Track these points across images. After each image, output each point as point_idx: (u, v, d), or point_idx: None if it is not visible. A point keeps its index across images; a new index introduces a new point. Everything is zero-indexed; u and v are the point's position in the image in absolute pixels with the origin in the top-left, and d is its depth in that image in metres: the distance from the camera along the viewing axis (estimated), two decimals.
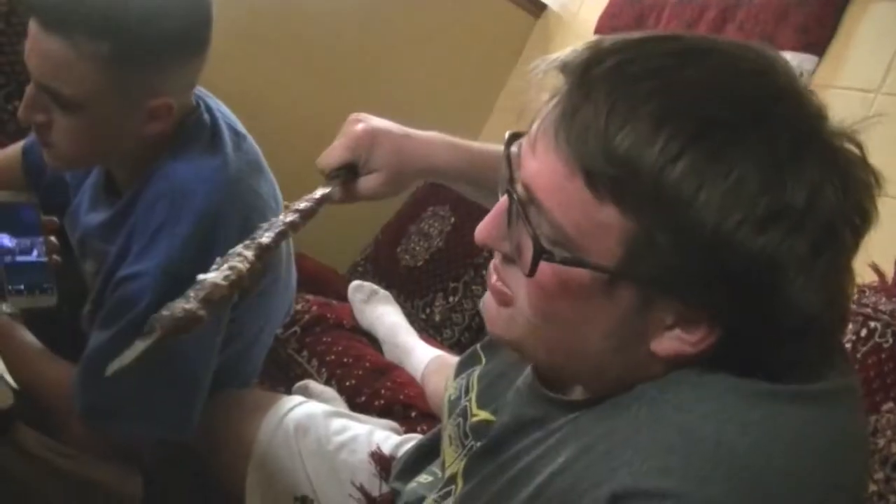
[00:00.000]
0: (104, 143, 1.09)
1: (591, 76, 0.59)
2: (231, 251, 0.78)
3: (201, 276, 0.74)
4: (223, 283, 0.73)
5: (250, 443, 1.18)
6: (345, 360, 1.66)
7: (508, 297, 0.68)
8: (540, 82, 0.63)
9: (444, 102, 2.41)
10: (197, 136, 1.14)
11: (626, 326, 0.63)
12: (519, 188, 0.65)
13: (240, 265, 0.76)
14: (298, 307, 1.79)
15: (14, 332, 1.16)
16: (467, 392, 0.87)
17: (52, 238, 1.22)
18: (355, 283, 1.96)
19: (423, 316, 2.05)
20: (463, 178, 0.97)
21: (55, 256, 1.20)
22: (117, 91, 1.03)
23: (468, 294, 2.02)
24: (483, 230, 0.67)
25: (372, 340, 1.80)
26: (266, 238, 0.81)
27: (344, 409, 1.44)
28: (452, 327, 2.01)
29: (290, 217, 0.85)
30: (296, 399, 1.27)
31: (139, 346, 0.68)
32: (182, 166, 1.10)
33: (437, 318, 2.03)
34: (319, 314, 1.80)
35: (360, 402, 1.54)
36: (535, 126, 0.64)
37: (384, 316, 1.85)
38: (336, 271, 2.19)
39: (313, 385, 1.58)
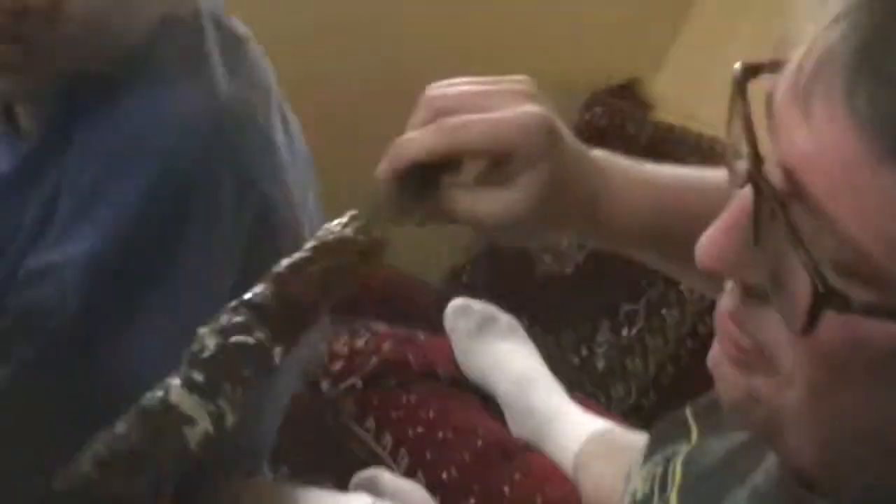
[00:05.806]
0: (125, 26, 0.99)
1: None
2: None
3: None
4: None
5: None
6: (439, 434, 1.48)
7: (756, 361, 0.55)
8: None
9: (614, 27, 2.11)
10: (171, 48, 1.02)
11: None
12: (775, 174, 0.50)
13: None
14: (360, 343, 1.58)
15: None
16: (664, 487, 0.75)
17: None
18: (458, 302, 1.68)
19: (577, 360, 1.80)
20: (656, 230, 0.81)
21: None
22: None
23: (655, 323, 1.75)
24: (710, 247, 0.54)
25: (486, 401, 1.57)
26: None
27: None
28: (627, 380, 1.75)
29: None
30: (358, 499, 1.17)
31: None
32: (143, 95, 0.99)
33: (601, 363, 1.79)
34: (395, 356, 1.58)
35: None
36: (805, 66, 0.48)
37: (508, 359, 1.59)
38: (424, 282, 1.95)
39: (387, 478, 1.39)
